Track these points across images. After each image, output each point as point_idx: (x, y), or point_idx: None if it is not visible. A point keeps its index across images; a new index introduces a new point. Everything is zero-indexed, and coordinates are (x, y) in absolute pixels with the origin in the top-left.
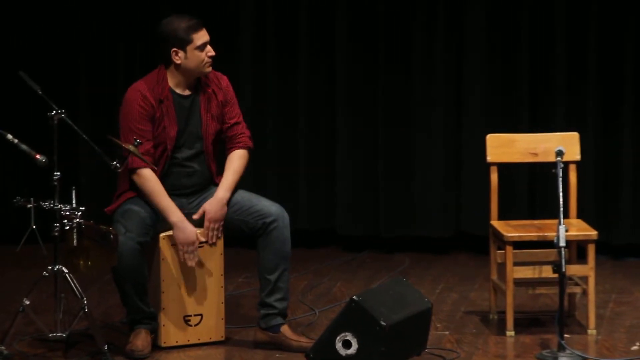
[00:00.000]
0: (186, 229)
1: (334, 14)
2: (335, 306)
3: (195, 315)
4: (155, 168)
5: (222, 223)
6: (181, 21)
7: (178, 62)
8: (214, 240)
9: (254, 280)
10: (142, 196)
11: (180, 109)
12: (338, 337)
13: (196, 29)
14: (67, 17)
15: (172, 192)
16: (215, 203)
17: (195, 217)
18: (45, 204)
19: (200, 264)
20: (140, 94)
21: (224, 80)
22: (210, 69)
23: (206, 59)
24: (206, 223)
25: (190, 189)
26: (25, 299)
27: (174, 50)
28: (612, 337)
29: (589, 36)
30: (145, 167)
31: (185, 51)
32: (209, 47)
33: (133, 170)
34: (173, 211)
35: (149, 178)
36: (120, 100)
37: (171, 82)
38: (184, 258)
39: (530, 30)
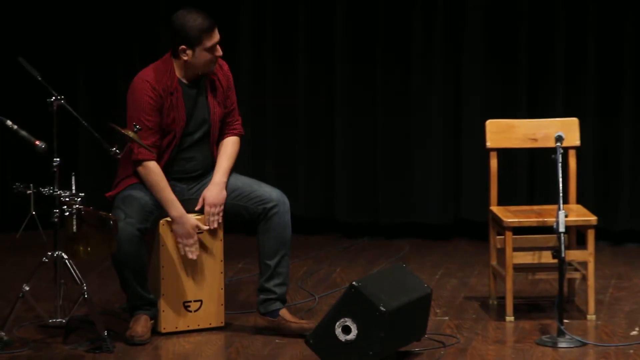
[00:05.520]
0: (186, 224)
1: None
2: (335, 292)
3: (195, 301)
4: (154, 156)
5: (222, 207)
6: (196, 19)
7: (185, 58)
8: (215, 226)
9: (253, 266)
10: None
11: (188, 98)
12: (337, 323)
13: (208, 30)
14: (65, 2)
15: (174, 177)
16: (213, 188)
17: (196, 208)
18: (45, 190)
19: (200, 255)
20: (149, 85)
21: (225, 66)
22: (214, 67)
23: (213, 59)
24: (206, 208)
25: (191, 174)
26: (25, 285)
27: (182, 48)
28: (612, 323)
29: (588, 21)
30: (150, 159)
31: (193, 50)
32: (217, 47)
33: (138, 162)
34: (175, 206)
35: (153, 171)
36: (119, 86)
37: (178, 73)
38: (184, 252)
39: (529, 16)
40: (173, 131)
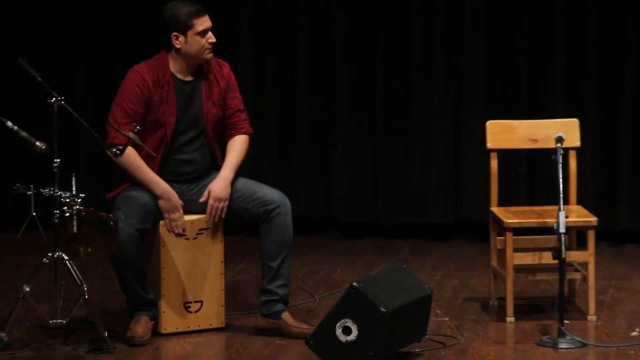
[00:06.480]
0: (172, 198)
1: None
2: (335, 293)
3: (195, 302)
4: (155, 154)
5: (226, 203)
6: (184, 6)
7: (178, 46)
8: (216, 220)
9: (253, 267)
10: (128, 175)
11: (181, 94)
12: (338, 324)
13: (198, 14)
14: (66, 3)
15: (172, 179)
16: (219, 182)
17: (201, 200)
18: (45, 191)
19: (200, 255)
20: (139, 75)
21: (226, 67)
22: (210, 55)
23: (207, 45)
24: (210, 201)
25: (190, 175)
26: (25, 285)
27: (175, 35)
28: (612, 323)
29: (588, 21)
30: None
31: (185, 36)
32: (210, 34)
33: (112, 146)
34: (157, 182)
35: (129, 154)
36: (119, 86)
37: (173, 67)
38: (171, 227)
39: (529, 16)
40: (163, 127)
